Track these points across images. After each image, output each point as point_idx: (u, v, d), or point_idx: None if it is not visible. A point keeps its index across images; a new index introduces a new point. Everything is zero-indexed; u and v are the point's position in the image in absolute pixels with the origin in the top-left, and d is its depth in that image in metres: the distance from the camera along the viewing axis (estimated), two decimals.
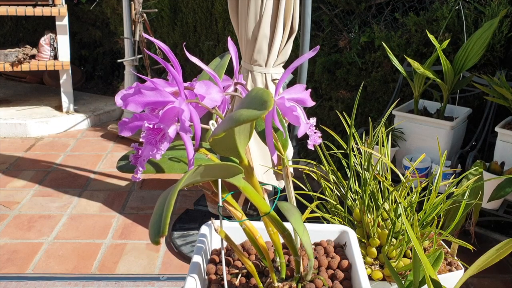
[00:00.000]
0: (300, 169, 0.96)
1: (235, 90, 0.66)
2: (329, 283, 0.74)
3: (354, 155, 1.04)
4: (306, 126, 0.62)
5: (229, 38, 0.64)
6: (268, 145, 0.63)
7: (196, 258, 0.75)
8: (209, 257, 0.80)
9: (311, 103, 0.64)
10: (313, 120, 0.64)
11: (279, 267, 0.73)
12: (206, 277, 0.76)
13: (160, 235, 0.45)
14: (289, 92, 0.63)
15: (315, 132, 0.65)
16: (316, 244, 0.82)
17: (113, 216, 2.04)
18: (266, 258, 0.71)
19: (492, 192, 1.49)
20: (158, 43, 0.57)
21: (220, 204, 0.66)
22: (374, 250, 0.97)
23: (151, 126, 0.52)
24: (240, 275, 0.75)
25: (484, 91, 1.74)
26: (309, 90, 0.65)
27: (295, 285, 0.72)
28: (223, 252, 0.72)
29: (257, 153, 1.60)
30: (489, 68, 1.92)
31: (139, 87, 0.54)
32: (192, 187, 2.39)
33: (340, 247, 0.82)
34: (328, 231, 0.83)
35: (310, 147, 0.64)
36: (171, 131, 0.53)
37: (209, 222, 0.79)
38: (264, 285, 0.73)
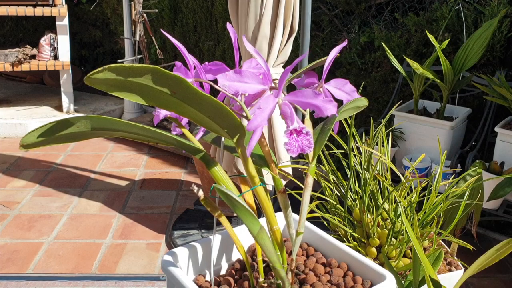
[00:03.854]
0: (300, 169, 0.97)
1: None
2: None
3: (354, 155, 1.04)
4: (254, 125, 0.55)
5: (227, 23, 0.63)
6: (249, 143, 0.59)
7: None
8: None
9: (330, 112, 0.56)
10: (297, 125, 0.56)
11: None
12: None
13: (27, 146, 0.56)
14: (296, 95, 0.59)
15: (308, 141, 0.56)
16: (351, 277, 0.74)
17: (113, 216, 2.04)
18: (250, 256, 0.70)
19: (491, 192, 1.49)
20: (175, 41, 0.60)
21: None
22: (374, 250, 0.97)
23: None
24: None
25: (484, 91, 1.74)
26: (331, 101, 0.56)
27: None
28: (214, 230, 0.72)
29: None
30: (489, 68, 1.92)
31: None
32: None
33: None
34: (372, 270, 0.74)
35: (292, 154, 0.55)
36: None
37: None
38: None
